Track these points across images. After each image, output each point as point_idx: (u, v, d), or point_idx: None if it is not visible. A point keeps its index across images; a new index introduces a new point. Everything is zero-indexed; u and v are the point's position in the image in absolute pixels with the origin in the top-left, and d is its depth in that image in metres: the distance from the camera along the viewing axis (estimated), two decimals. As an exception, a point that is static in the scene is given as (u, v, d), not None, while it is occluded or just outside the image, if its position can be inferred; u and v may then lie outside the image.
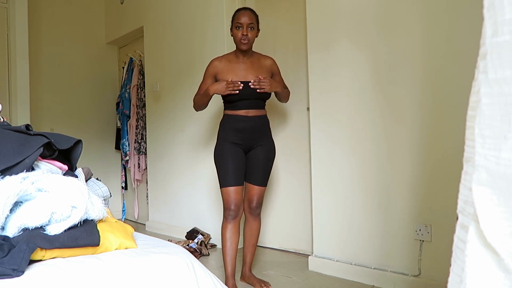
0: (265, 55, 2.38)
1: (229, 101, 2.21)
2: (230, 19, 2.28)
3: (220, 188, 2.21)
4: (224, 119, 2.27)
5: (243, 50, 2.22)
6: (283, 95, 2.35)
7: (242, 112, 2.20)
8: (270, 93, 2.25)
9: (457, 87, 1.96)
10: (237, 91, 2.13)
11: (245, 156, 2.26)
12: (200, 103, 2.30)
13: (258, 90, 2.15)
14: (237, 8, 2.34)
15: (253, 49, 2.29)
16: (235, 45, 2.26)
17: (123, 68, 4.42)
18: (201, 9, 3.40)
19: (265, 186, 2.33)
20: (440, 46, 2.03)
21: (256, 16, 2.25)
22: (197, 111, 2.40)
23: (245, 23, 2.17)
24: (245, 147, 2.24)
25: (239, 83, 2.13)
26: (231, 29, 2.25)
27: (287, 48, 3.01)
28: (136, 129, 4.23)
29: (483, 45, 0.53)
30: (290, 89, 2.46)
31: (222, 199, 2.21)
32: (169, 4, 3.73)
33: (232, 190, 2.17)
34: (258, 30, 2.26)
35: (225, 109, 2.28)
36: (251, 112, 2.21)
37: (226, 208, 2.19)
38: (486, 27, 0.52)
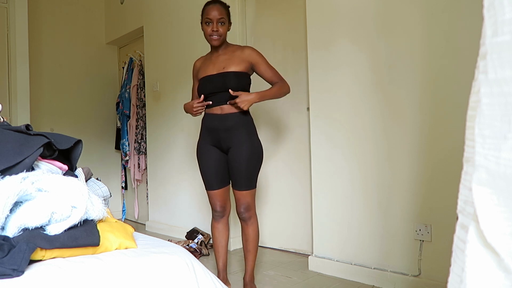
0: (243, 45, 2.24)
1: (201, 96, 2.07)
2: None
3: (205, 189, 2.22)
4: (203, 118, 2.18)
5: (215, 46, 2.11)
6: (275, 96, 2.13)
7: (215, 110, 2.06)
8: (249, 84, 2.11)
9: (457, 87, 1.96)
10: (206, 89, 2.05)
11: (225, 156, 2.13)
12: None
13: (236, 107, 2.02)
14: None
15: (239, 43, 2.21)
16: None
17: (123, 68, 4.43)
18: (201, 9, 3.39)
19: (251, 189, 2.10)
20: (440, 46, 2.03)
21: (227, 9, 2.11)
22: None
23: (214, 18, 2.04)
24: (222, 148, 2.11)
25: (206, 102, 2.05)
26: (201, 23, 2.12)
27: (287, 48, 3.01)
28: (136, 129, 4.23)
29: (483, 45, 0.53)
30: (289, 89, 2.41)
31: (208, 199, 2.23)
32: (169, 4, 3.73)
33: (215, 193, 2.16)
34: (230, 23, 2.12)
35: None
36: (225, 109, 2.04)
37: (212, 209, 2.21)
38: (486, 27, 0.52)
